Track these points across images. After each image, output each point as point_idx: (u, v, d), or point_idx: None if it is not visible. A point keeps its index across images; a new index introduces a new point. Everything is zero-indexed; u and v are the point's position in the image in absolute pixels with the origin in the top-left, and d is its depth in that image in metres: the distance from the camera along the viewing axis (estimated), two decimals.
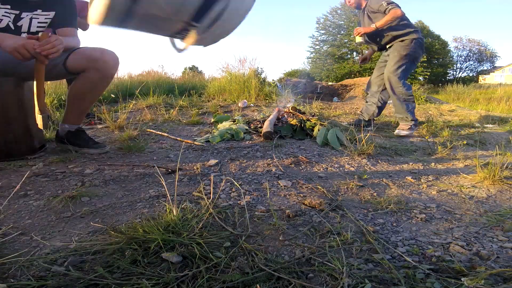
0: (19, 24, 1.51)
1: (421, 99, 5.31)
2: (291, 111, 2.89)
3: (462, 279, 0.67)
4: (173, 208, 0.92)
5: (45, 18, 1.59)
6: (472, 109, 5.09)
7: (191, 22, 0.74)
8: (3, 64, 1.50)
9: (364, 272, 0.74)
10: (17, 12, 1.49)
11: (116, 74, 1.95)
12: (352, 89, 6.43)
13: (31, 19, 1.54)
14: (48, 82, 3.63)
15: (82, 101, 1.73)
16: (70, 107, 1.75)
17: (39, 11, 1.56)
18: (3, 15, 1.45)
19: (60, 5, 1.63)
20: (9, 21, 1.48)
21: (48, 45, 1.34)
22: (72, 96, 1.71)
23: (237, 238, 0.88)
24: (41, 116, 1.50)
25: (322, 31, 27.23)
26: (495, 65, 30.38)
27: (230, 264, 0.75)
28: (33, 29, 1.56)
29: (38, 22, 1.57)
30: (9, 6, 1.46)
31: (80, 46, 1.67)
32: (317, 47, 27.69)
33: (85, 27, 2.75)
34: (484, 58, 29.48)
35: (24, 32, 1.53)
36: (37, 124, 1.69)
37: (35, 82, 1.46)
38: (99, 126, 2.59)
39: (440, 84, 20.27)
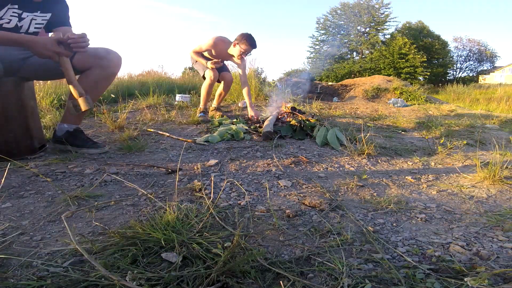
0: (19, 24, 1.52)
1: (421, 99, 5.31)
2: (291, 111, 2.89)
3: (465, 279, 0.67)
4: (173, 208, 0.92)
5: (42, 20, 1.60)
6: (472, 109, 5.09)
7: None
8: (9, 63, 1.50)
9: (364, 272, 0.74)
10: (20, 12, 1.50)
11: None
12: (352, 89, 6.42)
13: (31, 20, 1.54)
14: (48, 82, 3.62)
15: None
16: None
17: (38, 12, 1.56)
18: (11, 15, 1.46)
19: (57, 7, 1.64)
20: (17, 21, 1.49)
21: (80, 39, 1.44)
22: None
23: (237, 238, 0.88)
24: (83, 97, 1.49)
25: (322, 31, 27.25)
26: (495, 65, 30.33)
27: None
28: (31, 30, 1.56)
29: (36, 23, 1.57)
30: (16, 6, 1.47)
31: None
32: (317, 47, 27.70)
33: None
34: (484, 58, 29.45)
35: (22, 33, 1.54)
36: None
37: (66, 73, 1.48)
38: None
39: (440, 84, 20.28)
